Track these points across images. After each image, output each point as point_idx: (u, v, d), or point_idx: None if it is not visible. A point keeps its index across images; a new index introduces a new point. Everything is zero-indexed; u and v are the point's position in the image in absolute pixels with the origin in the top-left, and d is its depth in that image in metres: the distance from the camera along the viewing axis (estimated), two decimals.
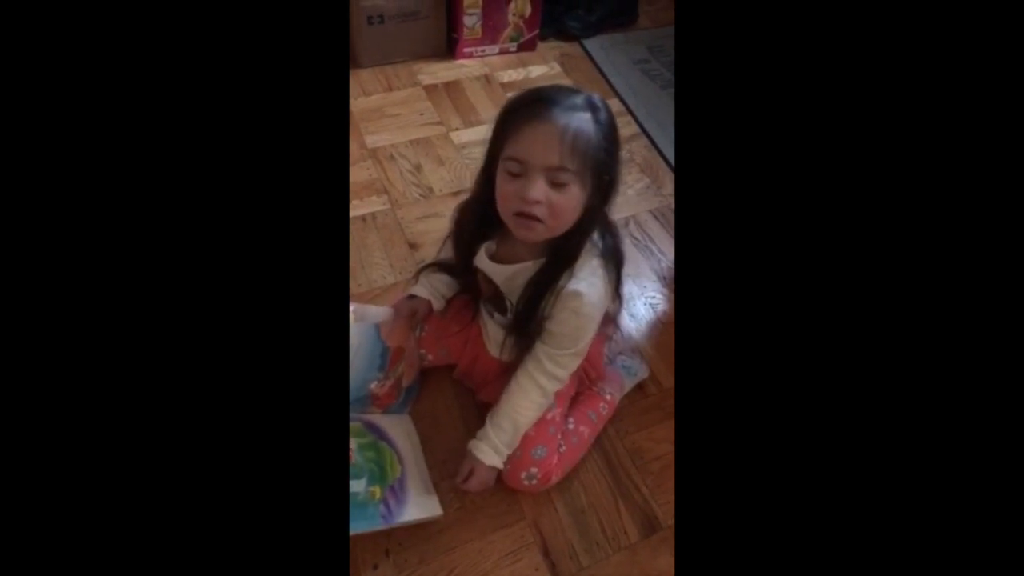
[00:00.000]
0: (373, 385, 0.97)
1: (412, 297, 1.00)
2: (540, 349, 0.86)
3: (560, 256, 0.81)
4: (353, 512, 0.85)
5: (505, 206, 0.77)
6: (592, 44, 1.82)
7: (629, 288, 1.25)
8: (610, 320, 0.98)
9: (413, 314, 0.99)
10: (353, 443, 0.91)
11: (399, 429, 0.98)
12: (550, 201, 0.73)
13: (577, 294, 0.79)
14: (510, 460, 0.91)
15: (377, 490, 0.88)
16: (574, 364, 0.87)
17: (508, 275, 0.86)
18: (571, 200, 0.74)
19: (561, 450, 0.94)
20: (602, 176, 0.76)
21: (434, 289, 0.99)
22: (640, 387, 1.09)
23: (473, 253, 0.88)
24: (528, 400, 0.87)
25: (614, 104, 1.64)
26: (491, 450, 0.88)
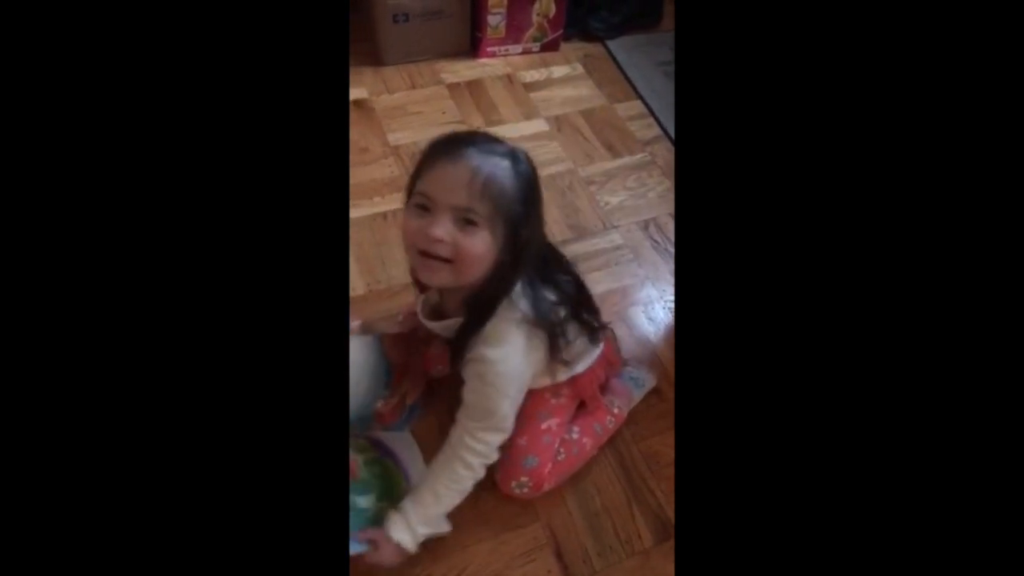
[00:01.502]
0: (379, 403, 0.97)
1: (414, 314, 1.00)
2: (459, 422, 0.81)
3: (474, 315, 0.77)
4: (362, 527, 0.85)
5: (409, 243, 0.73)
6: (615, 45, 1.81)
7: (648, 291, 1.24)
8: (611, 345, 0.97)
9: (413, 331, 0.99)
10: (359, 459, 0.91)
11: (402, 445, 0.97)
12: (455, 242, 0.70)
13: (482, 359, 0.75)
14: (501, 468, 0.89)
15: (386, 505, 0.88)
16: (495, 439, 0.81)
17: (445, 328, 0.84)
18: (478, 244, 0.70)
19: (560, 458, 0.93)
20: (516, 229, 0.72)
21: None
22: (656, 391, 1.09)
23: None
24: (451, 472, 0.81)
25: (636, 106, 1.63)
26: (404, 526, 0.81)
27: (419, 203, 0.72)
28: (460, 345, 0.78)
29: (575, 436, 0.96)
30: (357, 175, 1.38)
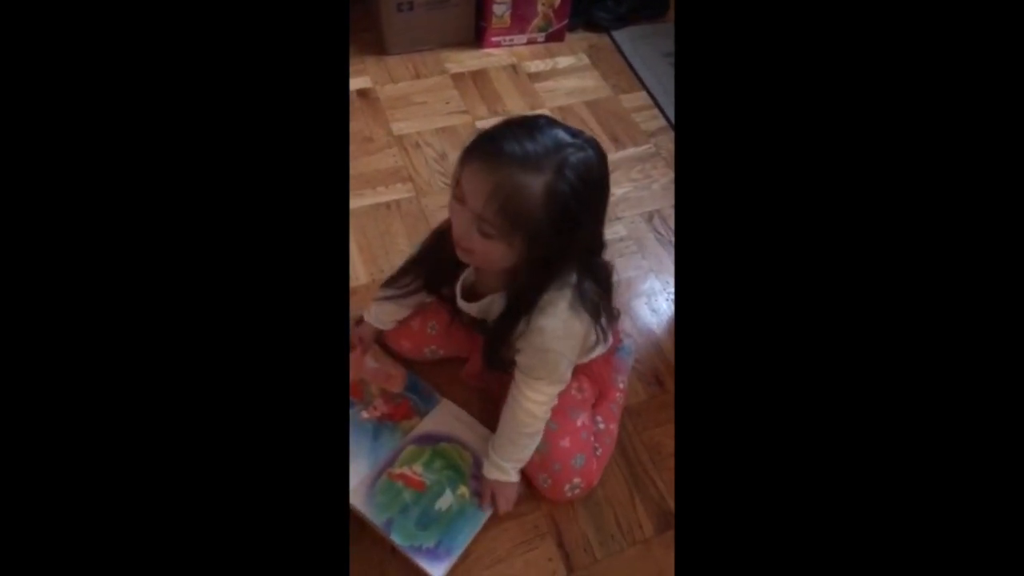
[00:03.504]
0: (364, 414, 0.98)
1: (361, 322, 1.04)
2: (520, 379, 0.84)
3: (519, 295, 0.78)
4: (458, 524, 0.88)
5: (451, 224, 0.75)
6: (621, 36, 1.80)
7: (651, 283, 1.24)
8: (614, 335, 0.98)
9: (360, 341, 1.03)
10: (418, 468, 0.93)
11: (444, 419, 0.99)
12: (473, 242, 0.71)
13: (540, 330, 0.77)
14: (551, 475, 0.91)
15: (465, 490, 0.91)
16: (555, 390, 0.85)
17: (480, 308, 0.86)
18: (493, 252, 0.72)
19: (597, 453, 0.95)
20: (541, 246, 0.71)
21: (379, 317, 1.01)
22: (659, 383, 1.10)
23: (442, 279, 0.89)
24: (519, 424, 0.85)
25: (641, 97, 1.63)
26: (497, 468, 0.88)
27: (456, 195, 0.72)
28: (510, 317, 0.79)
29: (602, 426, 0.98)
30: (361, 165, 1.38)
